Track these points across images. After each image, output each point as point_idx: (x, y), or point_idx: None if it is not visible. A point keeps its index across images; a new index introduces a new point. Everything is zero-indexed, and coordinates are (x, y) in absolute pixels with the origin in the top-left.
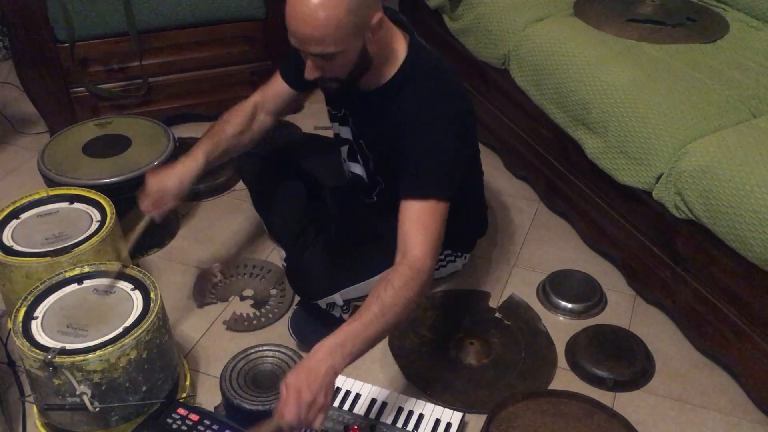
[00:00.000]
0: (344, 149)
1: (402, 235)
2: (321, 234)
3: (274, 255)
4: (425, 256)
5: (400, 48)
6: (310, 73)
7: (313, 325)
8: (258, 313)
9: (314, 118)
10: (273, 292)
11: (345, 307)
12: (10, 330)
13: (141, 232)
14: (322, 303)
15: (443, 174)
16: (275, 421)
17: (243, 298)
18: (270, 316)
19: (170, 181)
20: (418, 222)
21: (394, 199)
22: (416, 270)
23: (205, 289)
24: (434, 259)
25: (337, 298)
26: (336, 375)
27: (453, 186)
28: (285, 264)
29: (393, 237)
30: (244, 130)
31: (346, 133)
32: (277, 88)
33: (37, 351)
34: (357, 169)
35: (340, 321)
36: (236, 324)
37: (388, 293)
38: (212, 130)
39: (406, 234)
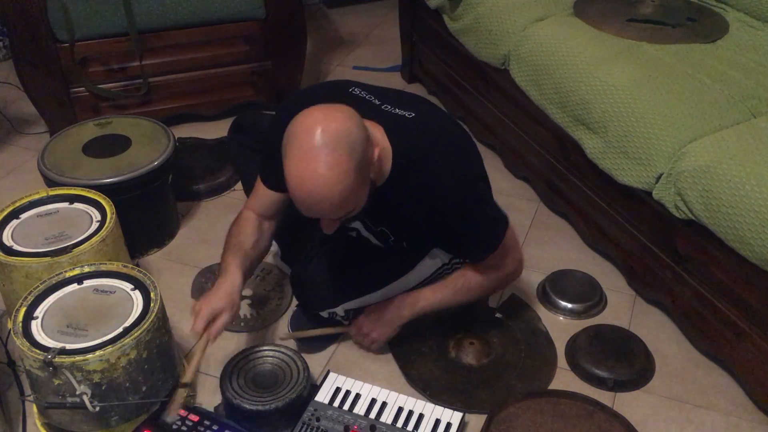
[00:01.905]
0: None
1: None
2: (325, 244)
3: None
4: (503, 271)
5: (382, 138)
6: (330, 228)
7: (316, 323)
8: (256, 314)
9: None
10: (272, 293)
11: (345, 316)
12: (10, 330)
13: (201, 356)
14: (324, 313)
15: (491, 235)
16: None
17: (241, 298)
18: (268, 317)
19: (221, 300)
20: (490, 263)
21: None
22: (493, 279)
23: (205, 287)
24: (513, 266)
25: (339, 310)
26: (400, 321)
27: (502, 232)
28: (281, 261)
29: (396, 253)
30: (259, 239)
31: (354, 224)
32: (266, 196)
33: (37, 351)
34: (369, 237)
35: (339, 322)
36: (232, 324)
37: (463, 288)
38: (231, 245)
39: (483, 268)
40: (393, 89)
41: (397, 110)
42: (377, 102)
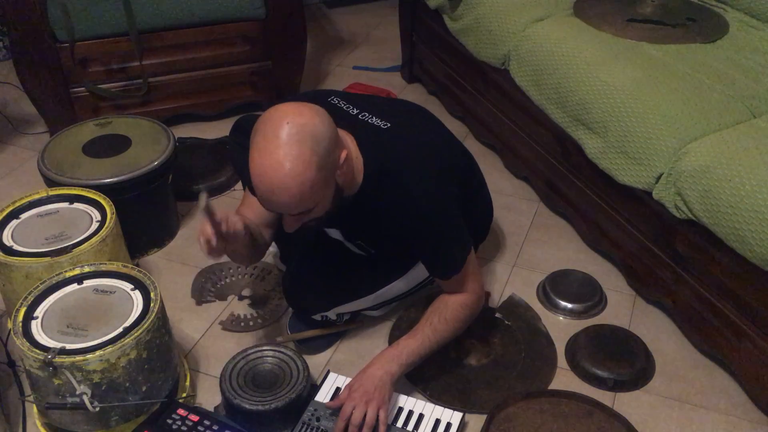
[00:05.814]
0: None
1: (444, 287)
2: (315, 249)
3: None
4: (471, 295)
5: (354, 149)
6: (291, 226)
7: (312, 326)
8: (256, 314)
9: None
10: (272, 293)
11: (338, 319)
12: (10, 330)
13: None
14: (317, 317)
15: (457, 254)
16: (339, 419)
17: (241, 298)
18: (268, 317)
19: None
20: (454, 285)
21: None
22: (465, 306)
23: (204, 287)
24: (479, 292)
25: (331, 314)
26: (392, 379)
27: (469, 246)
28: (280, 262)
29: (386, 258)
30: (258, 224)
31: (335, 234)
32: (257, 207)
33: (37, 351)
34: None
35: (335, 324)
36: (232, 325)
37: (441, 324)
38: None
39: (446, 288)
40: (381, 98)
41: (374, 120)
42: (354, 111)
